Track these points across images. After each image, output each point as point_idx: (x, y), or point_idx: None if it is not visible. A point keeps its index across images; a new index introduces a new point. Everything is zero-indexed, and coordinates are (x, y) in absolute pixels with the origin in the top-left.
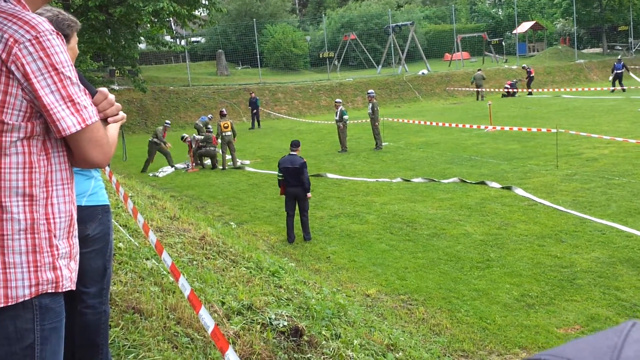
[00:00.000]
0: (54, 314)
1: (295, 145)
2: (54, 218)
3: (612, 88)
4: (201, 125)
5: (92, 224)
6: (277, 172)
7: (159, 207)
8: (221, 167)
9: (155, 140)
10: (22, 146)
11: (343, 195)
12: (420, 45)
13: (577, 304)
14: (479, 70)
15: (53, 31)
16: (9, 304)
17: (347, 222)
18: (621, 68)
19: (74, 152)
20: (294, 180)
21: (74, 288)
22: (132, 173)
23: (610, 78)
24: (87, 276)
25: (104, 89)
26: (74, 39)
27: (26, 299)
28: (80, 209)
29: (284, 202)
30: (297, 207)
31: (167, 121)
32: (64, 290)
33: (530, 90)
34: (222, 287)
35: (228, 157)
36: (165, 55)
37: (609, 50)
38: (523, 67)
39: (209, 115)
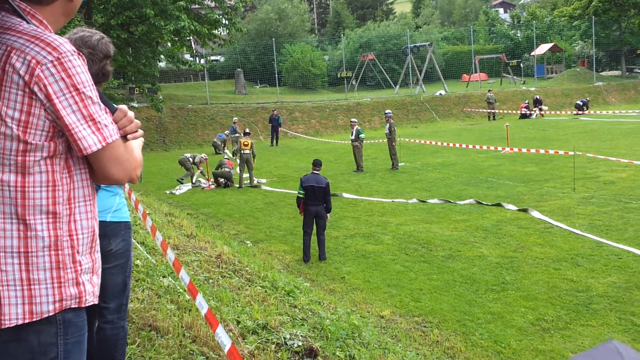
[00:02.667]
0: (77, 328)
1: (318, 164)
2: (76, 234)
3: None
4: (219, 142)
5: (116, 239)
6: (297, 190)
7: (176, 224)
8: (237, 186)
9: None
10: (46, 165)
11: (359, 215)
12: (438, 66)
13: (593, 329)
14: (489, 91)
15: (75, 52)
16: (34, 319)
17: (363, 243)
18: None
19: (95, 169)
20: (317, 199)
21: (96, 302)
22: (150, 190)
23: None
24: (108, 291)
25: (124, 107)
26: None
27: (50, 314)
28: (104, 224)
29: (300, 221)
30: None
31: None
32: (87, 305)
33: (541, 111)
34: (238, 306)
35: (245, 175)
36: (184, 73)
37: (627, 73)
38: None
39: (226, 132)
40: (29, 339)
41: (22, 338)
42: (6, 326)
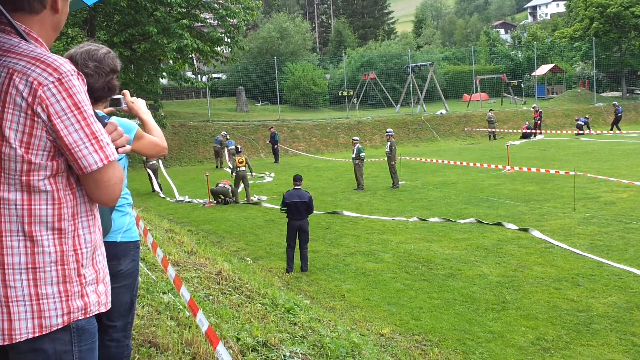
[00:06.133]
0: (90, 335)
1: (299, 179)
2: (80, 249)
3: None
4: (218, 146)
5: (125, 260)
6: (280, 206)
7: (176, 241)
8: (234, 200)
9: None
10: (50, 184)
11: (359, 233)
12: (439, 85)
13: (593, 349)
14: (490, 110)
15: (75, 71)
16: (43, 333)
17: (363, 260)
18: (621, 112)
19: (85, 188)
20: (299, 214)
21: (102, 310)
22: (150, 207)
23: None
24: (115, 310)
25: (114, 121)
26: None
27: (59, 327)
28: (114, 245)
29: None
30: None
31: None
32: (92, 314)
33: (540, 131)
34: (238, 323)
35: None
36: (186, 90)
37: (628, 94)
38: (533, 107)
39: (222, 133)
40: (45, 348)
41: (40, 348)
42: (17, 340)
